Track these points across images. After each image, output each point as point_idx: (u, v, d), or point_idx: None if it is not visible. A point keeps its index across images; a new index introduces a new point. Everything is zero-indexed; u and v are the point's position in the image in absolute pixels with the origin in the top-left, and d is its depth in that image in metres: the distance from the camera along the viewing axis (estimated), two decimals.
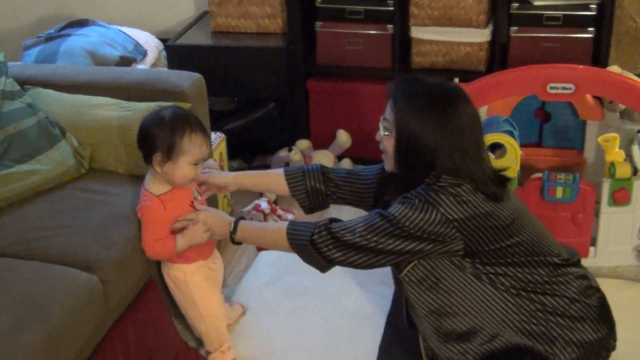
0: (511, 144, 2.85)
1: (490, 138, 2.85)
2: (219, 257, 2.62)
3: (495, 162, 2.89)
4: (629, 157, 3.08)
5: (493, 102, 3.14)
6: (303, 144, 3.81)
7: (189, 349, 2.46)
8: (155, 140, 2.27)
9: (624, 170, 2.88)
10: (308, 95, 3.89)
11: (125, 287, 2.31)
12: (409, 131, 2.11)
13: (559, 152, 3.43)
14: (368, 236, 2.10)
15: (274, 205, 3.42)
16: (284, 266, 3.05)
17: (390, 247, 2.08)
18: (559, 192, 2.88)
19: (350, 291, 2.88)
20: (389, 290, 2.87)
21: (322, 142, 3.88)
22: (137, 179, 2.57)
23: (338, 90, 3.85)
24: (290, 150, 3.73)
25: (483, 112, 3.25)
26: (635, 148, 3.12)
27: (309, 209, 2.58)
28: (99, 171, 2.65)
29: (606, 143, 2.92)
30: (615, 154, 2.91)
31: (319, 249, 2.17)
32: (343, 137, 3.81)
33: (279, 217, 3.38)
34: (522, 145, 3.12)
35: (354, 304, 2.81)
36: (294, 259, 3.07)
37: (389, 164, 2.22)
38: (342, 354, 2.56)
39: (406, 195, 2.08)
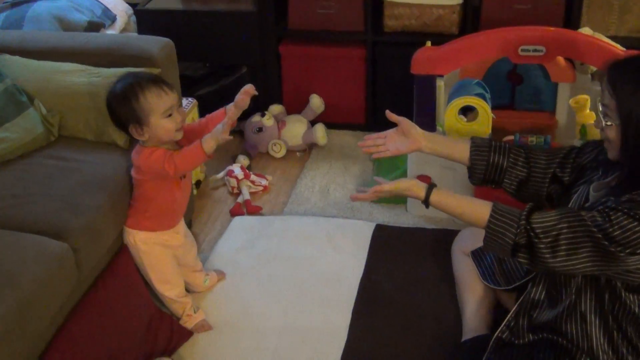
0: (483, 106, 2.85)
1: (462, 101, 2.85)
2: (186, 235, 2.59)
3: (467, 124, 2.90)
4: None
5: (465, 65, 3.14)
6: (276, 109, 3.80)
7: (163, 314, 2.47)
8: (121, 117, 2.28)
9: (594, 132, 2.89)
10: (280, 60, 3.87)
11: (97, 254, 2.30)
12: (636, 118, 1.89)
13: (531, 115, 3.43)
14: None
15: (247, 171, 3.44)
16: (257, 231, 3.05)
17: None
18: None
19: (324, 255, 2.89)
20: (362, 253, 2.89)
21: (295, 107, 3.87)
22: (107, 145, 2.55)
23: (310, 55, 3.83)
24: (263, 115, 3.72)
25: (456, 75, 3.25)
26: None
27: (479, 182, 2.37)
28: (68, 138, 2.63)
29: (577, 105, 2.93)
30: (586, 115, 2.93)
31: (517, 257, 2.01)
32: (316, 102, 3.80)
33: (253, 182, 3.39)
34: (494, 108, 3.12)
35: (328, 267, 2.82)
36: (267, 224, 3.10)
37: (612, 153, 2.00)
38: (316, 317, 2.58)
39: (634, 199, 1.89)
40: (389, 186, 2.18)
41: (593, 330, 2.03)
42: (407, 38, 3.64)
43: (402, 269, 2.82)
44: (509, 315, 2.16)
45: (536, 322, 2.11)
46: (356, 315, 2.58)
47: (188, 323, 2.52)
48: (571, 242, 1.91)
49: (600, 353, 2.02)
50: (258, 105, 3.82)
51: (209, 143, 2.27)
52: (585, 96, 2.94)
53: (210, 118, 2.47)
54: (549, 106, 3.41)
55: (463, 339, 2.41)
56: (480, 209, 2.04)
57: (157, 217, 2.41)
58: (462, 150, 2.33)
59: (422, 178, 3.11)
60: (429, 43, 3.07)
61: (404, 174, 3.20)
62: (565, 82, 3.25)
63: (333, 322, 2.55)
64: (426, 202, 2.14)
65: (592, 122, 2.92)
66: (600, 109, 1.97)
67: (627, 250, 1.86)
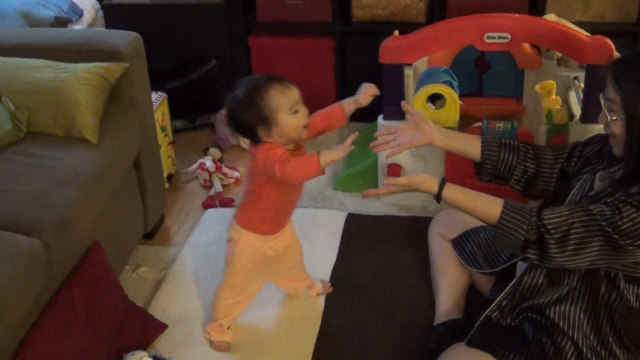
0: (450, 94, 2.88)
1: (429, 89, 2.88)
2: (288, 246, 2.45)
3: (436, 112, 2.93)
4: (566, 103, 3.15)
5: (433, 53, 3.17)
6: None
7: (137, 307, 2.47)
8: (247, 121, 2.17)
9: (560, 116, 2.94)
10: (250, 52, 3.87)
11: (69, 249, 2.29)
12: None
13: (499, 101, 3.48)
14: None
15: (219, 164, 3.44)
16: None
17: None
18: None
19: None
20: (335, 242, 2.92)
21: None
22: (77, 141, 2.54)
23: (279, 46, 3.84)
24: None
25: (424, 63, 3.28)
26: (571, 94, 3.19)
27: (488, 178, 2.36)
28: (37, 135, 2.61)
29: (543, 90, 2.97)
30: (552, 100, 2.97)
31: (527, 253, 2.02)
32: None
33: (225, 175, 3.40)
34: (462, 95, 3.16)
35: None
36: None
37: (617, 149, 2.00)
38: (290, 306, 2.60)
39: (637, 205, 1.88)
40: (402, 180, 2.14)
41: (579, 316, 2.06)
42: (375, 28, 3.67)
43: (374, 257, 2.85)
44: (500, 296, 2.18)
45: (526, 304, 2.14)
46: (329, 303, 2.60)
47: (214, 334, 2.45)
48: (581, 237, 1.93)
49: (583, 339, 2.06)
50: None
51: (326, 159, 2.08)
52: (551, 82, 2.98)
53: (327, 114, 2.37)
54: (516, 92, 3.45)
55: (436, 323, 2.44)
56: (492, 205, 2.03)
57: (267, 220, 2.33)
58: (474, 146, 2.32)
59: (393, 167, 3.14)
60: (396, 32, 3.09)
61: (374, 163, 3.22)
62: (532, 68, 3.29)
63: (306, 311, 2.57)
64: (438, 196, 2.11)
65: (558, 106, 2.96)
66: (604, 103, 1.97)
67: (637, 243, 1.89)
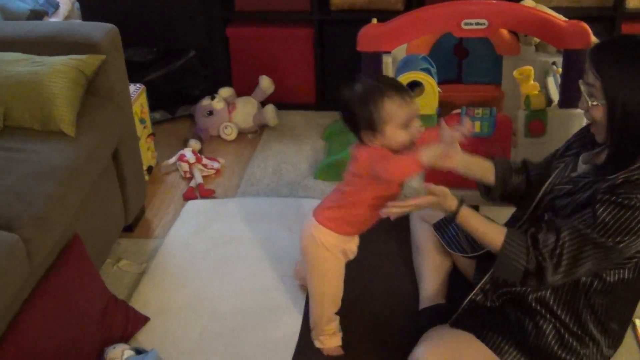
0: (428, 81, 2.88)
1: (408, 76, 2.88)
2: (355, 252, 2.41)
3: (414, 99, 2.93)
4: (544, 88, 3.16)
5: (411, 40, 3.17)
6: (226, 91, 3.80)
7: (118, 301, 2.46)
8: (355, 119, 2.10)
9: (538, 102, 2.95)
10: (228, 43, 3.86)
11: (49, 244, 2.28)
12: (622, 99, 1.89)
13: (478, 88, 3.48)
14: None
15: (199, 155, 3.44)
16: (211, 214, 3.06)
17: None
18: (477, 127, 2.93)
19: (277, 235, 2.91)
20: None
21: (245, 89, 3.86)
22: (54, 134, 2.52)
23: (258, 36, 3.83)
24: (213, 98, 3.71)
25: (403, 50, 3.28)
26: (549, 79, 3.21)
27: (499, 199, 2.37)
28: (14, 129, 2.59)
29: (521, 76, 2.98)
30: (530, 86, 2.98)
31: (526, 285, 2.05)
32: (266, 83, 3.80)
33: (205, 166, 3.39)
34: (442, 82, 3.16)
35: (282, 246, 2.84)
36: (221, 206, 3.10)
37: (599, 135, 2.01)
38: (272, 296, 2.60)
39: (621, 203, 1.90)
40: (424, 199, 2.10)
41: (559, 302, 2.09)
42: (354, 16, 3.66)
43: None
44: (483, 280, 2.20)
45: (508, 288, 2.16)
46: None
47: (327, 342, 2.38)
48: (573, 256, 1.94)
49: (563, 324, 2.09)
50: (208, 89, 3.82)
51: (428, 155, 2.02)
52: (529, 67, 2.99)
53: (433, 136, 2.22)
54: (495, 79, 3.46)
55: (421, 308, 2.45)
56: (496, 234, 2.04)
57: (355, 224, 2.28)
58: (489, 173, 2.32)
59: None
60: (374, 20, 3.08)
61: None
62: (510, 54, 3.30)
63: (289, 300, 2.57)
64: (455, 213, 2.08)
65: (536, 92, 2.97)
66: (584, 89, 1.97)
67: (626, 239, 1.91)
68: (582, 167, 2.10)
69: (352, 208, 2.22)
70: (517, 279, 2.01)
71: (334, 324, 2.38)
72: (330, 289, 2.32)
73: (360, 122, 2.09)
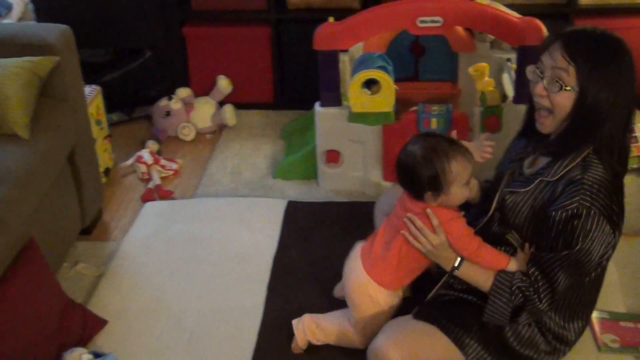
0: (385, 79, 2.90)
1: (364, 74, 2.89)
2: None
3: (371, 97, 2.95)
4: (500, 84, 3.19)
5: (367, 38, 3.18)
6: (183, 92, 3.78)
7: (75, 304, 2.44)
8: (419, 181, 2.10)
9: (493, 98, 2.98)
10: (185, 43, 3.84)
11: (4, 248, 2.24)
12: (595, 87, 1.92)
13: (434, 85, 3.51)
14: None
15: (157, 156, 3.41)
16: (170, 215, 3.04)
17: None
18: (434, 123, 2.95)
19: (237, 234, 2.90)
20: (275, 230, 2.92)
21: (203, 89, 3.85)
22: (8, 137, 2.49)
23: (215, 36, 3.82)
24: (170, 99, 3.70)
25: (360, 49, 3.29)
26: (504, 76, 3.24)
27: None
28: None
29: (476, 73, 3.01)
30: (485, 82, 3.01)
31: (518, 321, 2.08)
32: (223, 83, 3.79)
33: (163, 167, 3.37)
34: (399, 80, 3.18)
35: (242, 246, 2.83)
36: (180, 207, 3.09)
37: (551, 123, 2.02)
38: (232, 296, 2.59)
39: (569, 215, 1.95)
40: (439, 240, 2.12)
41: None
42: (311, 15, 3.66)
43: (316, 243, 2.86)
44: (447, 275, 2.21)
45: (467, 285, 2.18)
46: (271, 291, 2.61)
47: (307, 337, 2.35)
48: (548, 281, 2.00)
49: None
50: (165, 89, 3.80)
51: (513, 267, 2.07)
52: (484, 64, 3.02)
53: None
54: (451, 76, 3.48)
55: None
56: (488, 279, 2.08)
57: (408, 275, 2.27)
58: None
59: (332, 153, 3.15)
60: (331, 19, 3.09)
61: (313, 150, 3.23)
62: (466, 51, 3.32)
63: (249, 300, 2.57)
64: (456, 267, 2.12)
65: (491, 88, 3.00)
66: (550, 73, 1.97)
67: (585, 246, 1.95)
68: (527, 171, 2.14)
69: (409, 264, 2.22)
70: (506, 318, 2.06)
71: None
72: (372, 332, 2.24)
73: (426, 184, 2.09)
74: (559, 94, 1.96)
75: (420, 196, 2.12)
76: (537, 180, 2.06)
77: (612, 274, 2.58)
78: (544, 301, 2.02)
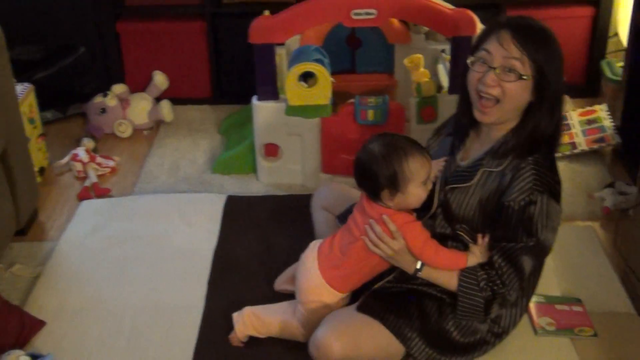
0: (321, 71, 2.91)
1: (300, 67, 2.90)
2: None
3: (308, 90, 2.95)
4: (435, 75, 3.23)
5: (303, 31, 3.19)
6: (118, 88, 3.72)
7: (11, 306, 2.39)
8: (376, 178, 2.10)
9: (429, 89, 3.01)
10: (119, 38, 3.79)
11: None
12: (550, 77, 2.00)
13: (371, 77, 3.54)
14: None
15: (93, 154, 3.37)
16: (107, 214, 3.00)
17: None
18: (371, 115, 2.97)
19: (176, 230, 2.88)
20: (215, 225, 2.90)
21: (139, 85, 3.81)
22: None
23: (150, 31, 3.78)
24: (105, 95, 3.65)
25: (297, 42, 3.29)
26: (439, 67, 3.28)
27: None
28: None
29: (411, 64, 3.04)
30: (421, 73, 3.04)
31: (490, 313, 2.12)
32: (159, 79, 3.75)
33: (99, 165, 3.33)
34: (336, 72, 3.20)
35: (181, 242, 2.81)
36: (117, 205, 3.06)
37: (497, 111, 2.06)
38: (172, 293, 2.57)
39: (522, 206, 2.01)
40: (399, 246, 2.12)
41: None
42: (246, 8, 3.65)
43: (256, 237, 2.85)
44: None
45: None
46: (212, 286, 2.59)
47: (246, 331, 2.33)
48: (514, 269, 2.05)
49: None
50: (100, 86, 3.75)
51: (472, 261, 2.10)
52: (418, 55, 3.05)
53: None
54: (388, 67, 3.52)
55: None
56: (451, 279, 2.11)
57: (363, 279, 2.25)
58: None
59: (270, 146, 3.15)
60: (266, 12, 3.08)
61: (251, 144, 3.22)
62: (401, 43, 3.36)
63: (189, 296, 2.55)
64: (421, 268, 2.13)
65: (427, 79, 3.03)
66: (499, 63, 2.00)
67: (543, 233, 2.03)
68: (462, 164, 2.17)
69: (365, 268, 2.22)
70: (480, 313, 2.09)
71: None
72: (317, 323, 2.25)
73: (382, 182, 2.10)
74: (514, 83, 2.00)
75: (377, 195, 2.13)
76: (480, 172, 2.10)
77: (548, 259, 2.62)
78: (512, 292, 2.07)
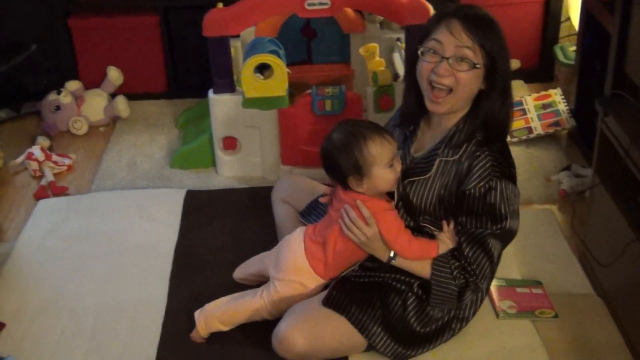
0: (277, 63, 2.90)
1: (256, 59, 2.88)
2: None
3: (264, 82, 2.94)
4: (391, 64, 3.24)
5: (257, 23, 3.17)
6: (73, 85, 3.68)
7: None
8: (340, 168, 2.11)
9: (385, 77, 3.02)
10: (71, 34, 3.74)
11: None
12: (501, 65, 2.03)
13: (328, 67, 3.54)
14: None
15: (48, 152, 3.33)
16: (65, 212, 2.96)
17: None
18: (328, 105, 2.97)
19: (136, 227, 2.86)
20: (175, 220, 2.89)
21: (93, 81, 3.77)
22: None
23: (103, 26, 3.74)
24: (59, 93, 3.60)
25: (252, 34, 3.28)
26: (395, 55, 3.29)
27: None
28: None
29: (367, 53, 3.04)
30: (376, 62, 3.04)
31: (463, 300, 2.14)
32: (114, 74, 3.71)
33: (55, 163, 3.29)
34: (292, 64, 3.19)
35: (141, 239, 2.79)
36: (75, 203, 3.02)
37: (450, 101, 2.06)
38: (133, 290, 2.55)
39: (483, 192, 2.04)
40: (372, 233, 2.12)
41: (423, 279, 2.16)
42: (199, 1, 3.61)
43: (217, 231, 2.84)
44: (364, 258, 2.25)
45: (376, 265, 2.21)
46: (174, 281, 2.57)
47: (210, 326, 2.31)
48: (485, 256, 2.07)
49: (422, 296, 2.17)
50: (54, 83, 3.69)
51: (443, 249, 2.11)
52: (374, 44, 3.06)
53: None
54: (344, 57, 3.52)
55: None
56: (424, 266, 2.12)
57: (342, 268, 2.25)
58: None
59: (228, 140, 3.13)
60: (220, 4, 3.06)
61: (209, 138, 3.20)
62: (356, 32, 3.36)
63: (151, 292, 2.53)
64: (394, 257, 2.14)
65: (382, 68, 3.04)
66: (451, 53, 2.01)
67: (507, 218, 2.05)
68: (417, 155, 2.18)
69: (345, 257, 2.23)
70: (453, 300, 2.11)
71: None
72: (286, 307, 2.25)
73: (346, 169, 2.10)
74: (467, 73, 2.02)
75: (345, 183, 2.13)
76: (437, 162, 2.11)
77: None
78: (484, 279, 2.09)
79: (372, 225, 2.10)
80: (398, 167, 2.13)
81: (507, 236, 2.11)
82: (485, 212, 2.05)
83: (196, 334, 2.31)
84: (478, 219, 2.06)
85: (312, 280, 2.25)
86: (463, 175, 2.07)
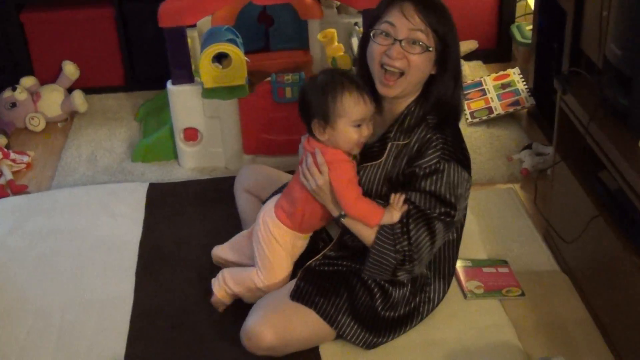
0: (235, 52, 2.88)
1: (213, 48, 2.86)
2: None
3: (223, 71, 2.92)
4: (350, 49, 3.24)
5: (213, 12, 3.14)
6: (28, 81, 3.62)
7: None
8: (310, 108, 2.09)
9: (344, 63, 3.02)
10: (24, 29, 3.68)
11: None
12: (453, 48, 2.04)
13: (287, 54, 3.51)
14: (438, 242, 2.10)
15: (5, 150, 3.27)
16: (25, 210, 2.92)
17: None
18: (288, 93, 2.96)
19: (99, 222, 2.82)
20: (139, 214, 2.86)
21: (49, 76, 3.72)
22: None
23: (56, 20, 3.69)
24: (14, 89, 3.54)
25: (208, 23, 3.25)
26: (354, 40, 3.29)
27: None
28: None
29: (325, 39, 3.04)
30: (335, 48, 3.04)
31: (398, 276, 2.10)
32: (69, 69, 3.66)
33: (13, 161, 3.24)
34: (251, 52, 3.16)
35: (105, 235, 2.76)
36: (36, 201, 2.98)
37: (402, 84, 2.05)
38: (99, 286, 2.52)
39: (431, 172, 2.03)
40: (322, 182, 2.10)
41: None
42: None
43: (181, 223, 2.82)
44: (328, 247, 2.25)
45: (345, 253, 2.22)
46: (140, 276, 2.55)
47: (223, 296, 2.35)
48: (427, 236, 2.05)
49: (387, 284, 2.17)
50: (8, 80, 3.63)
51: (385, 220, 2.07)
52: (332, 30, 3.05)
53: None
54: (302, 44, 3.50)
55: None
56: (370, 232, 2.09)
57: (305, 220, 2.23)
58: None
59: (189, 130, 3.11)
60: None
61: (170, 130, 3.17)
62: (314, 18, 3.34)
63: (117, 288, 2.51)
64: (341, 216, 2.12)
65: (341, 53, 3.04)
66: (404, 36, 2.00)
67: (453, 200, 2.04)
68: (370, 139, 2.16)
69: (307, 206, 2.20)
70: (387, 274, 2.09)
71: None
72: (275, 280, 2.27)
73: (314, 111, 2.08)
74: (419, 56, 2.01)
75: (309, 125, 2.12)
76: (389, 146, 2.11)
77: (472, 223, 2.68)
78: (422, 260, 2.08)
79: (324, 173, 2.09)
80: (365, 131, 2.10)
81: (451, 225, 2.09)
82: (432, 193, 2.03)
83: (216, 300, 2.34)
84: (426, 199, 2.04)
85: (283, 234, 2.24)
86: (413, 158, 2.06)
